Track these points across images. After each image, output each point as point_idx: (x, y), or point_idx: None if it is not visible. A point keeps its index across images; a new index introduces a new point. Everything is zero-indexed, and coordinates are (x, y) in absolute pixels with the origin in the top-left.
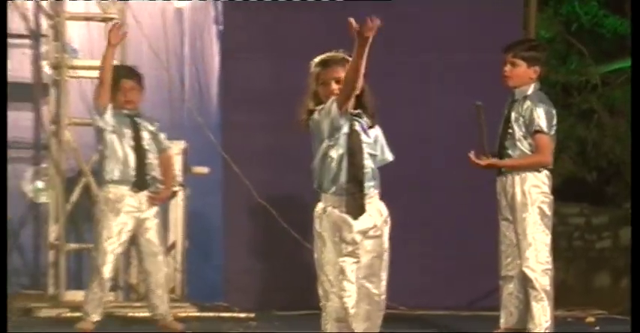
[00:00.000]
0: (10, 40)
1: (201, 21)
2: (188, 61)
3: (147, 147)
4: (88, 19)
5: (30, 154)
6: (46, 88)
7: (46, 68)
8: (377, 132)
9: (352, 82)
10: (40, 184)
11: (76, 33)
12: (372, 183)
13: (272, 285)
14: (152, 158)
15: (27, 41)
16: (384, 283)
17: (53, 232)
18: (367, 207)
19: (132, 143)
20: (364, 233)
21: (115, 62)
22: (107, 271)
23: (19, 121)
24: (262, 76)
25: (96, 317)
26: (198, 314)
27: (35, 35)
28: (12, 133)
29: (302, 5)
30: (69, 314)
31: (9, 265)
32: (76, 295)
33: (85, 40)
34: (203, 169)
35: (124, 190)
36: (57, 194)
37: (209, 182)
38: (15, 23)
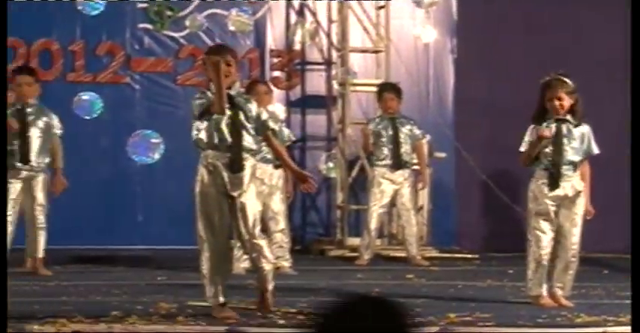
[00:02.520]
0: (310, 66)
1: (441, 51)
2: (432, 79)
3: (402, 140)
4: (363, 51)
5: (324, 144)
6: (335, 99)
7: (335, 85)
8: (584, 130)
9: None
10: (330, 165)
11: (355, 61)
12: (567, 167)
13: (491, 234)
14: (407, 147)
15: (322, 67)
16: (574, 239)
17: (339, 197)
18: (561, 184)
19: (392, 137)
20: (557, 200)
21: (381, 80)
22: (373, 223)
23: (317, 121)
24: (484, 89)
25: (367, 256)
26: (438, 255)
27: (328, 63)
28: (311, 130)
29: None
30: (349, 254)
31: (307, 220)
32: (355, 241)
33: (361, 65)
34: (441, 155)
35: (386, 169)
36: (342, 171)
37: (446, 164)
38: (314, 54)
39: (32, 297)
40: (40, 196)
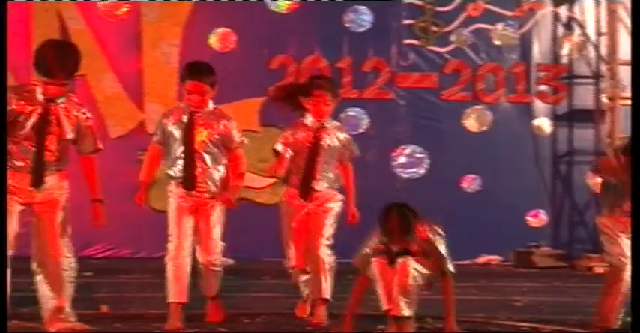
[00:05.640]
0: (577, 80)
1: None
2: None
3: None
4: (625, 63)
5: (591, 159)
6: (603, 113)
7: (604, 99)
8: None
9: None
10: (598, 180)
11: (625, 73)
12: None
13: None
14: None
15: (590, 80)
16: None
17: None
18: None
19: None
20: None
21: None
22: None
23: (584, 135)
24: None
25: None
26: None
27: (596, 76)
28: (578, 144)
29: None
30: None
31: (575, 236)
32: None
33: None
34: None
35: None
36: None
37: None
38: (581, 68)
39: None
40: None
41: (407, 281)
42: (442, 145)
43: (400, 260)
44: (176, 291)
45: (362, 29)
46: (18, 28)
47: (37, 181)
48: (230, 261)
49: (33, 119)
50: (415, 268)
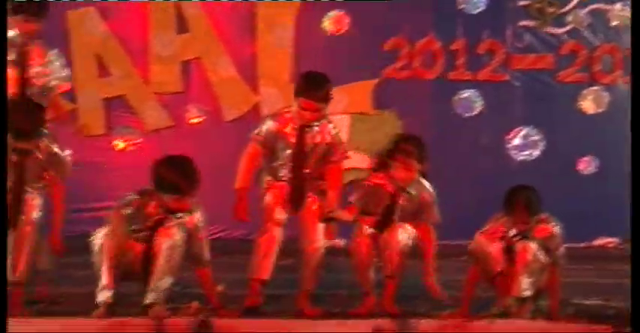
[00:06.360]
0: None
1: None
2: None
3: None
4: None
5: None
6: None
7: None
8: None
9: None
10: None
11: None
12: None
13: None
14: None
15: None
16: None
17: None
18: None
19: None
20: None
21: None
22: None
23: None
24: None
25: None
26: None
27: None
28: None
29: None
30: None
31: None
32: None
33: None
34: None
35: None
36: None
37: None
38: None
39: None
40: None
41: (529, 262)
42: (558, 126)
43: (521, 243)
44: (262, 268)
45: (476, 11)
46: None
47: None
48: (341, 243)
49: None
50: (535, 252)
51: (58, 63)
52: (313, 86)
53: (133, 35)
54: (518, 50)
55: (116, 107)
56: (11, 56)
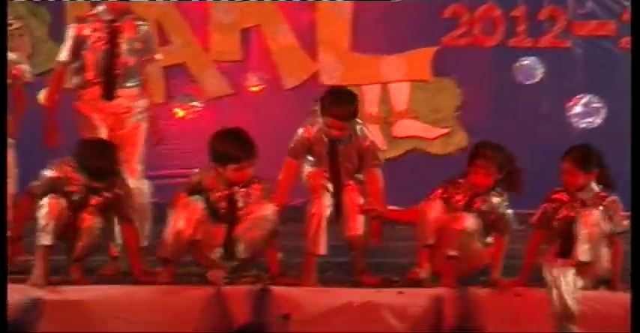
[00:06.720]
0: None
1: None
2: None
3: None
4: None
5: None
6: None
7: None
8: None
9: None
10: None
11: None
12: None
13: None
14: None
15: None
16: None
17: None
18: None
19: None
20: None
21: None
22: None
23: None
24: None
25: None
26: None
27: None
28: None
29: None
30: None
31: None
32: None
33: None
34: None
35: None
36: None
37: None
38: None
39: None
40: None
41: (592, 229)
42: (620, 94)
43: (585, 211)
44: (316, 243)
45: None
46: None
47: None
48: None
49: None
50: (597, 219)
51: (148, 36)
52: (339, 105)
53: (193, 3)
54: (580, 17)
55: (176, 75)
56: (100, 33)
